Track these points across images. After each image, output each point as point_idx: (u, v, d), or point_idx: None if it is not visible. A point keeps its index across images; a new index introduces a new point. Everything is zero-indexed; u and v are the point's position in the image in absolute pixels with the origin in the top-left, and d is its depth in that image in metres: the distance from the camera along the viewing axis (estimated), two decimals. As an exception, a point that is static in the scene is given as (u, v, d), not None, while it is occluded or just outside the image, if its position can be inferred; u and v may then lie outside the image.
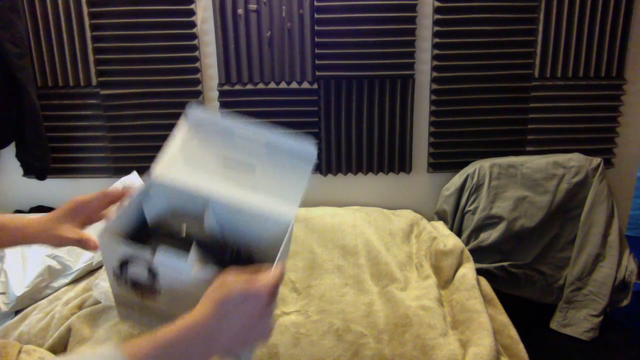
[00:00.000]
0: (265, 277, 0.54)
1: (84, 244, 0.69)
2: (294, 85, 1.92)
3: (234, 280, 0.53)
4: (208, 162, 0.71)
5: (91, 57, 1.89)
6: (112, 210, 0.69)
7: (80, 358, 0.47)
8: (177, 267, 0.59)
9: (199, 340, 0.50)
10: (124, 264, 0.62)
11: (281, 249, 0.60)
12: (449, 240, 1.71)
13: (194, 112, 0.76)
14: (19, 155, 1.86)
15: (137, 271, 0.61)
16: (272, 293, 0.55)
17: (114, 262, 0.62)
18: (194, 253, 0.63)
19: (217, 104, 1.95)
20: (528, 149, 1.99)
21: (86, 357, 0.47)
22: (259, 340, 0.55)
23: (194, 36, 1.88)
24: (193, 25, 1.87)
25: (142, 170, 1.93)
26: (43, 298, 1.46)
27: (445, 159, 2.02)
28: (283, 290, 1.55)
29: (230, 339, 0.52)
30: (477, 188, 1.88)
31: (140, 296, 0.63)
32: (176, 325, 0.50)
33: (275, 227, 0.63)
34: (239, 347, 0.54)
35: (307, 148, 0.72)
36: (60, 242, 0.70)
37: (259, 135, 0.73)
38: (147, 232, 0.67)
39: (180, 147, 0.73)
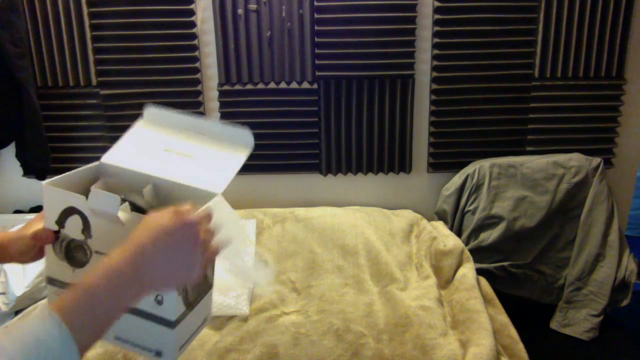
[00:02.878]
0: (192, 209, 0.54)
1: (37, 238, 0.66)
2: (294, 85, 1.92)
3: (160, 214, 0.52)
4: (153, 150, 0.79)
5: (91, 57, 1.89)
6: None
7: (16, 328, 0.45)
8: (109, 203, 0.62)
9: (124, 279, 0.48)
10: (63, 215, 0.65)
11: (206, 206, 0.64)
12: (449, 240, 1.71)
13: (150, 110, 0.85)
14: (19, 155, 1.86)
15: (74, 225, 0.64)
16: (202, 223, 0.54)
17: (55, 215, 0.65)
18: (125, 205, 0.67)
19: (217, 104, 1.95)
20: (528, 149, 1.99)
21: (22, 326, 0.44)
22: (190, 275, 0.53)
23: (194, 36, 1.88)
24: (193, 25, 1.87)
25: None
26: (43, 298, 1.47)
27: (445, 159, 2.02)
28: (283, 290, 1.55)
29: (161, 273, 0.51)
30: (477, 188, 1.88)
31: (72, 264, 0.66)
32: (98, 268, 0.48)
33: (205, 199, 0.68)
34: (169, 282, 0.53)
35: (245, 135, 0.79)
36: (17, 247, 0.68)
37: (201, 125, 0.81)
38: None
39: (130, 137, 0.82)
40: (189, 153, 0.77)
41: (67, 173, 0.73)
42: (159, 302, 0.60)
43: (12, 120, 1.74)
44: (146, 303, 0.60)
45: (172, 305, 0.59)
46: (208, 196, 0.68)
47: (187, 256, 0.52)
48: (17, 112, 1.74)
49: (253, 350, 1.24)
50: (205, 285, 0.68)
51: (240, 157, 0.78)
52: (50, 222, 0.67)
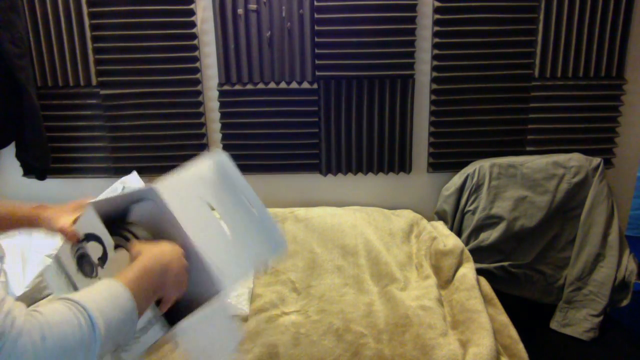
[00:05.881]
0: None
1: (64, 234, 0.77)
2: (294, 85, 1.92)
3: (159, 244, 0.72)
4: (201, 200, 0.80)
5: (91, 57, 1.89)
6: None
7: (86, 291, 0.58)
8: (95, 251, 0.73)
9: (155, 275, 0.66)
10: (91, 236, 0.73)
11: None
12: (449, 240, 1.71)
13: (220, 156, 0.85)
14: (19, 155, 1.86)
15: (94, 248, 0.73)
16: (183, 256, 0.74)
17: (85, 230, 0.74)
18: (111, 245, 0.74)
19: (217, 104, 1.95)
20: (528, 149, 1.99)
21: (91, 290, 0.58)
22: (181, 290, 0.72)
23: (194, 36, 1.88)
24: (193, 25, 1.87)
25: (142, 170, 1.93)
26: (43, 298, 1.46)
27: (445, 159, 2.02)
28: (283, 290, 1.55)
29: (170, 282, 0.69)
30: (477, 188, 1.88)
31: (79, 267, 0.75)
32: (137, 263, 0.66)
33: (209, 290, 0.74)
34: (174, 290, 0.70)
35: (280, 241, 0.81)
36: (49, 224, 0.78)
37: (254, 202, 0.83)
38: (117, 224, 0.76)
39: (188, 173, 0.82)
40: (227, 226, 0.80)
41: (115, 195, 0.77)
42: None
43: (12, 120, 1.74)
44: None
45: None
46: (211, 288, 0.74)
47: (178, 278, 0.71)
48: (17, 112, 1.74)
49: (253, 350, 1.24)
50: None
51: (262, 262, 0.81)
52: (80, 230, 0.75)
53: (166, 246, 0.72)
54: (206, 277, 0.73)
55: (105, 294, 0.58)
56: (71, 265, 0.76)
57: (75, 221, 0.76)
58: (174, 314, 0.74)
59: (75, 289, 0.76)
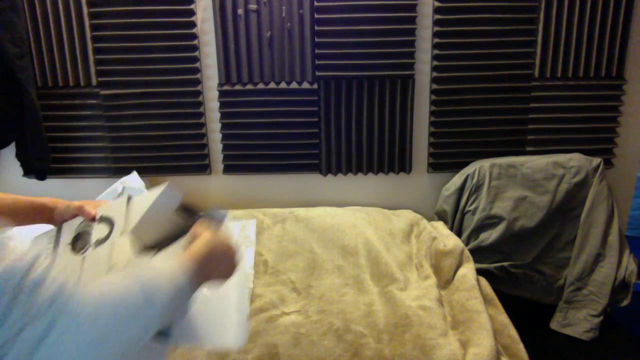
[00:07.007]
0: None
1: (81, 210, 0.80)
2: (294, 85, 1.92)
3: (219, 231, 0.75)
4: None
5: (91, 57, 1.89)
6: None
7: (146, 263, 0.62)
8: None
9: (214, 256, 0.70)
10: (105, 219, 0.77)
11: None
12: (449, 240, 1.71)
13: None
14: (19, 155, 1.86)
15: (101, 228, 0.76)
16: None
17: (100, 213, 0.78)
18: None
19: (217, 103, 1.95)
20: (528, 149, 1.99)
21: (150, 263, 0.62)
22: (231, 274, 0.75)
23: (194, 36, 1.88)
24: (193, 25, 1.87)
25: (142, 170, 1.93)
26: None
27: (445, 159, 2.02)
28: (283, 290, 1.55)
29: (223, 267, 0.73)
30: (477, 188, 1.88)
31: (73, 243, 0.78)
32: (198, 243, 0.69)
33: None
34: (226, 274, 0.74)
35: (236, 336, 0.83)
36: (67, 205, 0.82)
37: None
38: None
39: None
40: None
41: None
42: None
43: (12, 120, 1.74)
44: None
45: None
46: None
47: (231, 262, 0.75)
48: (17, 112, 1.73)
49: (253, 351, 1.24)
50: None
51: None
52: (100, 212, 0.80)
53: (225, 235, 0.75)
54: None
55: (165, 267, 0.62)
56: (67, 236, 0.78)
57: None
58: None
59: (55, 255, 0.77)
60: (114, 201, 0.79)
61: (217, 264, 0.70)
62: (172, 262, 0.63)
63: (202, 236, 0.71)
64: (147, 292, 0.56)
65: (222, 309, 0.84)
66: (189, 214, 0.79)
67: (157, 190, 0.77)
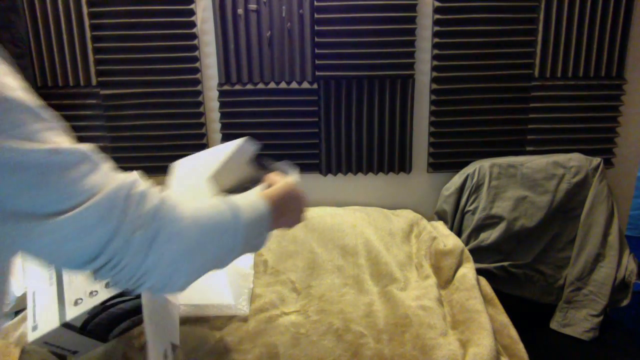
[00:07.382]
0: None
1: None
2: (294, 85, 1.92)
3: (284, 178, 0.83)
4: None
5: (91, 57, 1.89)
6: None
7: (230, 201, 0.67)
8: None
9: (289, 199, 0.78)
10: None
11: None
12: (449, 240, 1.71)
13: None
14: (19, 155, 1.86)
15: None
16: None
17: None
18: None
19: (217, 103, 1.95)
20: (528, 149, 1.99)
21: (235, 201, 0.67)
22: (299, 220, 0.84)
23: (194, 36, 1.88)
24: (193, 25, 1.87)
25: (142, 170, 1.93)
26: (43, 298, 1.46)
27: (445, 159, 2.02)
28: (283, 290, 1.55)
29: (294, 212, 0.81)
30: (477, 188, 1.88)
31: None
32: (275, 187, 0.78)
33: None
34: (296, 219, 0.83)
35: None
36: None
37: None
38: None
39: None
40: None
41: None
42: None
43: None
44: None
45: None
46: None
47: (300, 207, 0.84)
48: (17, 112, 1.73)
49: (253, 351, 1.24)
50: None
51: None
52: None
53: (297, 185, 0.83)
54: None
55: (248, 196, 0.70)
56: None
57: None
58: None
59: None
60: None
61: (289, 209, 0.79)
62: (253, 195, 0.71)
63: (278, 183, 0.79)
64: (235, 211, 0.64)
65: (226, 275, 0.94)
66: (261, 166, 0.88)
67: (236, 143, 0.86)
